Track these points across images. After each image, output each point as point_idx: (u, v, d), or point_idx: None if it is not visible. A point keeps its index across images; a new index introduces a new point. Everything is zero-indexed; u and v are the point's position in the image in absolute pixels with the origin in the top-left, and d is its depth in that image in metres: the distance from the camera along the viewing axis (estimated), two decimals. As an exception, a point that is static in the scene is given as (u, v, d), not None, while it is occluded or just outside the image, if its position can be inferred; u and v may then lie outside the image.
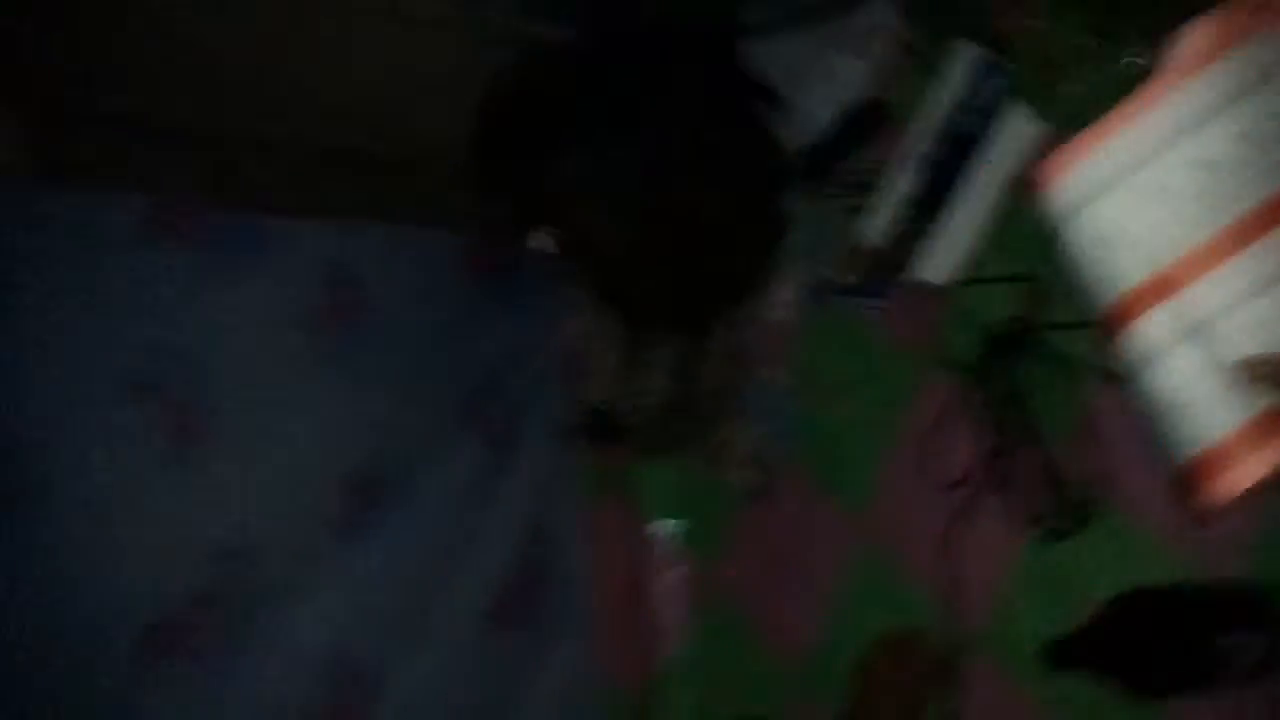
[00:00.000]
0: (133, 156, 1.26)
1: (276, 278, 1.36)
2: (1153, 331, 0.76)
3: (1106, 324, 0.78)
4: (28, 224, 1.20)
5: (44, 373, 1.21)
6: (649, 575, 1.64)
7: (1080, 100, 1.12)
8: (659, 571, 1.64)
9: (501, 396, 1.59)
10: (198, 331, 1.29)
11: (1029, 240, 1.32)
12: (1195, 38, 0.75)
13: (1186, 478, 0.76)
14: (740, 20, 1.44)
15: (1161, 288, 0.76)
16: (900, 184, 1.40)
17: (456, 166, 1.36)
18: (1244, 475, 0.74)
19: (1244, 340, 0.74)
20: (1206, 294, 0.75)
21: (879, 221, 1.42)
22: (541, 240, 1.47)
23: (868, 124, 1.48)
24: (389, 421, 1.46)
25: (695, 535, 1.63)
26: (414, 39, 1.33)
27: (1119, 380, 1.22)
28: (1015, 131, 1.31)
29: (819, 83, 1.49)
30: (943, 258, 1.37)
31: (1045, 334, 1.30)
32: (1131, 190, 0.77)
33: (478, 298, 1.57)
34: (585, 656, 1.63)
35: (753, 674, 1.56)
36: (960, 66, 1.36)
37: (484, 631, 1.53)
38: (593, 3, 1.43)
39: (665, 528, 1.65)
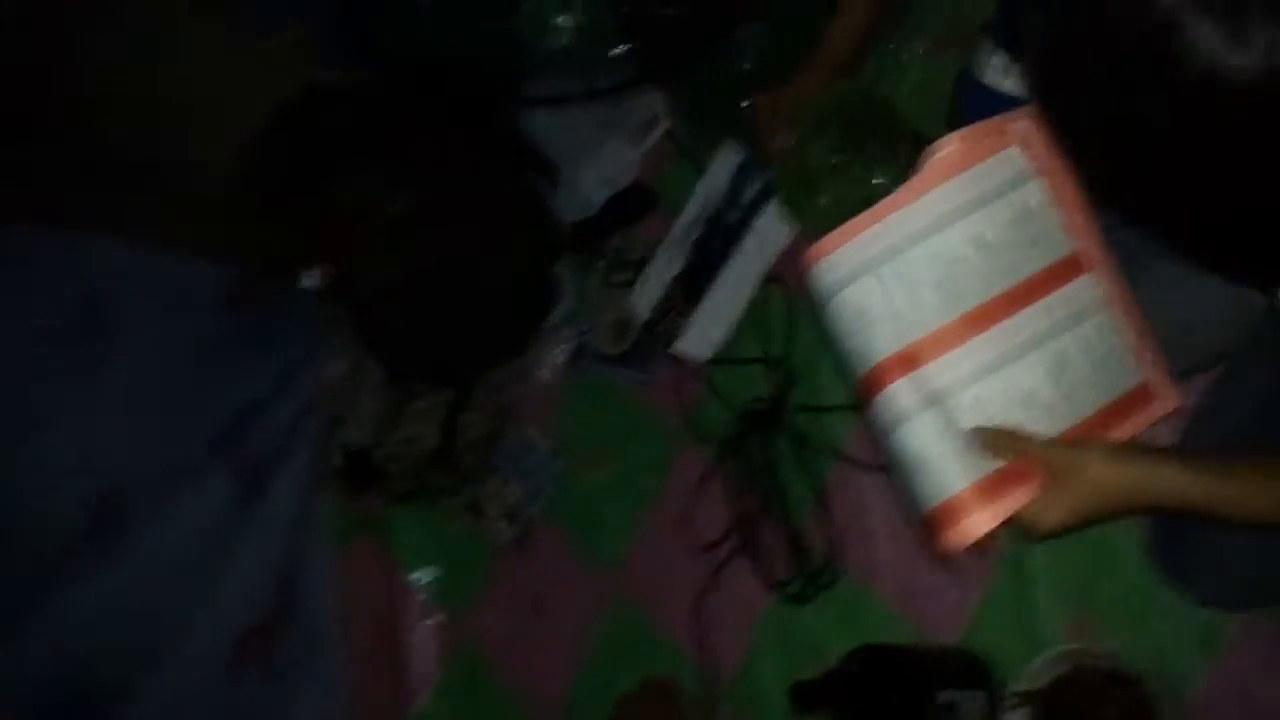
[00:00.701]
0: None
1: (32, 287, 1.31)
2: (897, 400, 0.86)
3: (857, 395, 0.89)
4: None
5: None
6: (401, 624, 1.63)
7: (832, 211, 1.26)
8: (412, 620, 1.63)
9: (255, 435, 1.54)
10: None
11: (782, 327, 1.45)
12: (940, 154, 0.88)
13: (925, 528, 0.86)
14: (520, 91, 1.52)
15: (905, 362, 0.86)
16: (668, 265, 1.50)
17: (232, 194, 1.36)
18: (975, 527, 0.84)
19: (976, 411, 0.86)
20: (944, 370, 0.87)
21: (646, 298, 1.51)
22: (309, 280, 1.48)
23: (634, 207, 1.59)
24: (134, 446, 1.39)
25: (449, 585, 1.63)
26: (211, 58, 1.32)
27: (856, 462, 1.36)
28: (773, 226, 1.44)
29: (592, 164, 1.59)
30: (703, 336, 1.47)
31: (792, 414, 1.43)
32: (881, 278, 0.87)
33: (233, 333, 1.54)
34: (333, 704, 1.58)
35: (503, 723, 1.57)
36: (724, 164, 1.49)
37: (227, 672, 1.46)
38: (380, 50, 1.46)
39: (420, 577, 1.64)
